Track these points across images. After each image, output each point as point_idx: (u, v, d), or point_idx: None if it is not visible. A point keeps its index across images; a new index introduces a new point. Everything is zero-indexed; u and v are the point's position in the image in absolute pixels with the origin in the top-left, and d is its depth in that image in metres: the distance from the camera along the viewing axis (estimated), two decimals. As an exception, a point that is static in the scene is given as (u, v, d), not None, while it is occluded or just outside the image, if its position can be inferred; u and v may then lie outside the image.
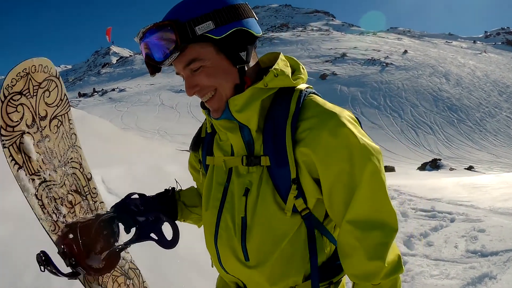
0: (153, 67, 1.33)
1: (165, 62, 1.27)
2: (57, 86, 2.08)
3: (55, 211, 1.92)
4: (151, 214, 1.67)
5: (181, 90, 53.12)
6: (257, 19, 1.39)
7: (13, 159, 1.82)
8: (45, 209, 1.90)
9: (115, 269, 2.05)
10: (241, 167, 1.38)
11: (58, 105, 2.11)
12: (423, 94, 63.88)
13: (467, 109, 59.42)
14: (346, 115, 1.29)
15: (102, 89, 72.07)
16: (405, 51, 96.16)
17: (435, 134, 48.85)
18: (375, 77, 73.28)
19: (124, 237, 1.89)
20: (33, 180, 1.91)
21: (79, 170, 2.17)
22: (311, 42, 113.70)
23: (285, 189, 1.31)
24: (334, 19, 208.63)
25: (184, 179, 6.79)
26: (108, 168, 8.90)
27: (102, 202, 2.22)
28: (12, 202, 6.20)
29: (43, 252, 1.57)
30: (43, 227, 1.84)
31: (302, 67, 1.44)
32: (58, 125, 2.10)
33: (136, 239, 1.67)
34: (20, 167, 1.85)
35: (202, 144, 1.59)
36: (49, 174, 2.00)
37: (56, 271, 1.54)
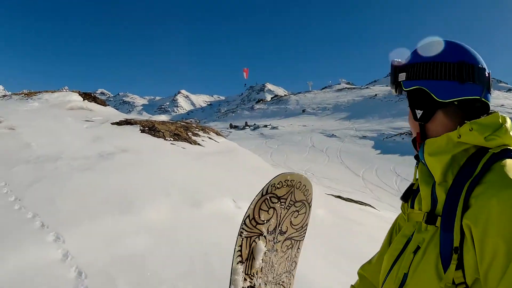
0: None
1: (392, 89, 1.54)
2: (305, 212, 2.48)
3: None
4: None
5: (332, 134, 53.65)
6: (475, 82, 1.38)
7: (240, 250, 2.19)
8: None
9: None
10: (423, 224, 1.42)
11: (298, 229, 2.49)
12: None
13: None
14: None
15: (255, 124, 75.07)
16: None
17: None
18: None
19: None
20: (245, 280, 2.25)
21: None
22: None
23: (447, 257, 1.27)
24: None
25: (330, 224, 7.82)
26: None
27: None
28: (157, 216, 7.07)
29: None
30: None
31: (508, 127, 1.35)
32: (289, 246, 2.46)
33: None
34: (241, 262, 2.18)
35: (412, 195, 1.61)
36: (259, 284, 2.32)
37: None
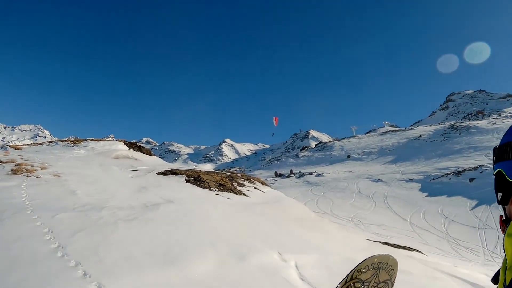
0: None
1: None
2: None
3: None
4: None
5: (379, 179, 53.02)
6: None
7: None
8: None
9: None
10: None
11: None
12: None
13: None
14: None
15: (300, 172, 74.78)
16: None
17: None
18: None
19: None
20: None
21: None
22: (505, 130, 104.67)
23: None
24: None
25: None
26: (303, 254, 9.80)
27: None
28: (202, 270, 7.14)
29: None
30: None
31: None
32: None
33: None
34: None
35: None
36: None
37: None
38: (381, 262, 2.37)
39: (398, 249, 16.72)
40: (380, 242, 18.23)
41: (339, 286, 2.29)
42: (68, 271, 5.82)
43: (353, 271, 2.29)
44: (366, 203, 39.78)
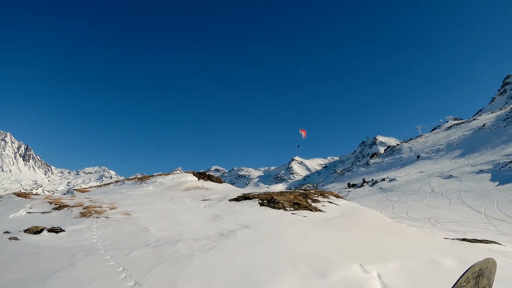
0: None
1: None
2: None
3: None
4: None
5: (450, 175, 51.60)
6: None
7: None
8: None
9: None
10: None
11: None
12: None
13: None
14: None
15: (372, 179, 73.64)
16: None
17: None
18: None
19: None
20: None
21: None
22: None
23: None
24: None
25: (459, 272, 7.75)
26: (384, 263, 9.64)
27: None
28: None
29: None
30: None
31: None
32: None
33: None
34: None
35: None
36: None
37: None
38: (481, 269, 2.38)
39: (476, 243, 16.37)
40: (458, 239, 17.87)
41: None
42: None
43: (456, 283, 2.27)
44: (441, 201, 38.89)
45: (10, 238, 9.93)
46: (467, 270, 2.18)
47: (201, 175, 36.17)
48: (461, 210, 33.81)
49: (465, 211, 33.16)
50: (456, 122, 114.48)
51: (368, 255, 10.40)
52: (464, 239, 17.90)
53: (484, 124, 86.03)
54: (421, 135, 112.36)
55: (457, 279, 2.34)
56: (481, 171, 49.39)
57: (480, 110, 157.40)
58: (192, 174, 35.66)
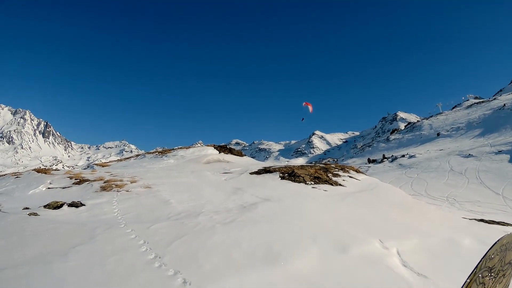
0: None
1: None
2: (510, 273, 2.47)
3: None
4: None
5: (469, 154, 50.97)
6: None
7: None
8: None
9: None
10: None
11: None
12: None
13: None
14: None
15: (392, 155, 72.96)
16: None
17: None
18: None
19: None
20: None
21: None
22: None
23: None
24: None
25: (477, 252, 7.72)
26: (403, 240, 9.66)
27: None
28: (305, 265, 7.00)
29: None
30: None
31: None
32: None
33: None
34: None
35: None
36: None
37: None
38: (509, 243, 2.35)
39: (493, 225, 16.24)
40: (475, 219, 17.78)
41: (468, 280, 2.27)
42: (167, 280, 5.79)
43: (482, 260, 2.26)
44: (459, 180, 38.49)
45: (30, 214, 9.96)
46: (496, 243, 2.21)
47: (222, 149, 36.27)
48: (479, 190, 33.44)
49: (483, 192, 32.80)
50: (476, 101, 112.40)
51: (388, 231, 10.40)
52: (481, 220, 17.76)
53: (504, 105, 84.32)
54: (442, 113, 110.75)
55: (486, 251, 2.33)
56: (500, 152, 48.66)
57: (501, 90, 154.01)
58: (213, 148, 35.79)
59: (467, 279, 2.21)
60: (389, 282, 6.98)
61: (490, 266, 2.25)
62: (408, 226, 11.98)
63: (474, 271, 2.21)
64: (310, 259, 7.37)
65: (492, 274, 2.27)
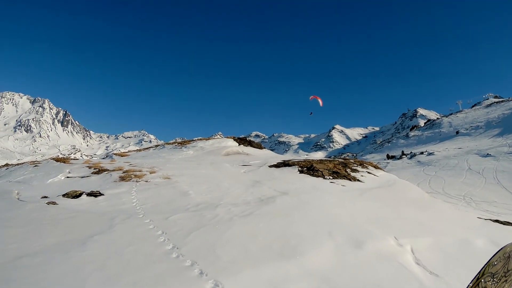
0: None
1: None
2: None
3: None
4: None
5: (487, 154, 50.37)
6: None
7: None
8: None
9: None
10: None
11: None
12: None
13: None
14: None
15: (411, 152, 72.46)
16: None
17: None
18: None
19: None
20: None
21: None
22: None
23: None
24: None
25: (490, 253, 7.59)
26: (418, 238, 9.55)
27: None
28: (321, 260, 7.02)
29: None
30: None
31: None
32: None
33: None
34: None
35: None
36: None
37: None
38: (511, 251, 2.26)
39: (509, 226, 16.10)
40: (491, 220, 17.61)
41: (471, 284, 2.31)
42: (183, 271, 5.76)
43: (485, 266, 2.29)
44: (477, 179, 38.08)
45: (49, 203, 9.98)
46: (499, 250, 2.22)
47: (242, 141, 36.17)
48: (496, 190, 33.07)
49: (499, 192, 32.43)
50: (496, 100, 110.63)
51: (403, 229, 10.34)
52: (497, 220, 17.61)
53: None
54: (461, 111, 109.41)
55: (490, 257, 2.39)
56: (518, 152, 48.10)
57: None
58: (232, 140, 35.68)
59: (470, 283, 2.26)
60: (401, 279, 6.98)
61: (493, 272, 2.29)
62: (424, 224, 11.87)
63: (477, 277, 2.26)
64: (325, 254, 7.39)
65: (495, 279, 2.31)
